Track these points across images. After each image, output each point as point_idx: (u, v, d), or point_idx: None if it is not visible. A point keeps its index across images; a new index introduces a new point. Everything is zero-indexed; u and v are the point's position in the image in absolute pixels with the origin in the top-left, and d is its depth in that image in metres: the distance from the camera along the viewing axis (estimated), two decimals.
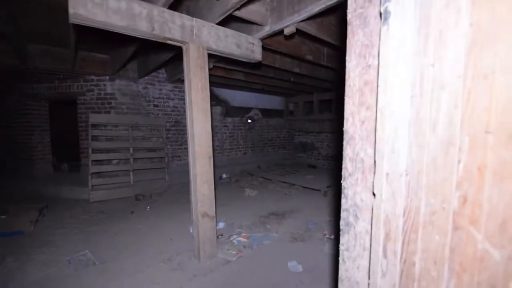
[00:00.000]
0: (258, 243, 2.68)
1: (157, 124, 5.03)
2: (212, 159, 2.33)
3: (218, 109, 6.29)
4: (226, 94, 6.46)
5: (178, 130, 5.55)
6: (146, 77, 4.96)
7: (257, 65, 3.81)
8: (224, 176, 5.99)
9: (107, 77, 4.59)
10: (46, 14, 2.85)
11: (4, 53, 3.61)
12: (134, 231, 2.97)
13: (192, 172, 2.28)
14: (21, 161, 5.12)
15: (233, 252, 2.42)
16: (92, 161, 4.14)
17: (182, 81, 5.25)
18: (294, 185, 5.05)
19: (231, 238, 2.75)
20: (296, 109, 7.94)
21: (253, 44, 2.61)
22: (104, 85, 4.61)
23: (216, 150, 6.27)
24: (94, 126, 4.37)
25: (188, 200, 4.14)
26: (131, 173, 4.48)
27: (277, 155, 7.86)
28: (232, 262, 2.29)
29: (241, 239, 2.74)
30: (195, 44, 2.18)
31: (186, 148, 5.72)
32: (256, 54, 2.65)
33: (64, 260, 2.28)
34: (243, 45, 2.53)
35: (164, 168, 4.97)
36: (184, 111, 5.63)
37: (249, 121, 7.18)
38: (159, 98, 5.23)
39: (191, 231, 2.93)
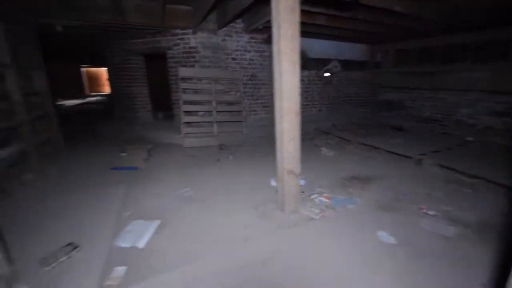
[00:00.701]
0: (341, 205, 2.60)
1: (235, 77, 5.09)
2: (299, 116, 2.20)
3: None
4: (303, 43, 5.88)
5: (254, 84, 5.53)
6: (225, 28, 4.88)
7: (348, 4, 3.19)
8: None
9: (190, 31, 4.71)
10: None
11: (106, 10, 3.99)
12: (221, 176, 3.29)
13: (278, 129, 2.23)
14: (127, 109, 6.13)
15: (316, 211, 2.42)
16: (184, 111, 4.60)
17: (259, 30, 4.99)
18: (377, 148, 4.56)
19: (312, 197, 2.74)
20: (384, 59, 6.76)
21: None
22: (188, 38, 4.77)
23: None
24: (183, 79, 4.72)
25: (265, 154, 4.29)
26: (215, 124, 4.83)
27: (355, 113, 7.15)
28: (315, 220, 2.31)
29: (323, 199, 2.70)
30: None
31: (262, 103, 5.75)
32: None
33: (172, 194, 2.74)
34: None
35: (242, 122, 5.17)
36: (260, 64, 5.49)
37: (327, 74, 6.55)
38: (237, 50, 5.16)
39: (271, 183, 3.06)
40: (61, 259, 1.64)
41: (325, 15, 4.00)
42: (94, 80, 15.61)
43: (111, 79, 6.23)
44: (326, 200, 2.69)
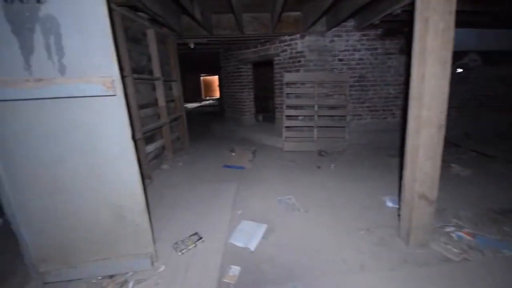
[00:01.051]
0: (491, 248, 1.93)
1: (340, 80, 4.75)
2: (443, 129, 1.75)
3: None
4: None
5: (361, 86, 5.01)
6: (334, 29, 4.62)
7: None
8: None
9: (298, 35, 4.71)
10: None
11: (231, 26, 4.51)
12: (323, 187, 3.11)
13: (410, 143, 1.85)
14: (234, 111, 6.81)
15: (455, 250, 1.89)
16: (286, 116, 4.67)
17: (373, 26, 4.45)
18: None
19: (447, 230, 2.17)
20: None
21: None
22: (295, 43, 4.80)
23: None
24: (287, 84, 4.80)
25: (371, 165, 3.81)
26: (315, 129, 4.67)
27: (498, 120, 5.37)
28: (453, 262, 1.79)
29: (463, 235, 2.09)
30: None
31: (369, 107, 5.16)
32: None
33: (275, 199, 2.78)
34: None
35: (345, 127, 4.77)
36: (370, 64, 4.92)
37: (459, 70, 5.19)
38: (345, 50, 4.80)
39: (387, 203, 2.64)
40: (190, 247, 1.90)
41: None
42: (208, 86, 18.46)
43: (222, 85, 7.09)
44: (468, 237, 2.07)
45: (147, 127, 3.38)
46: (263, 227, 2.20)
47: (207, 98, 17.67)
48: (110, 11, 1.49)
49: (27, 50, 1.34)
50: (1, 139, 1.43)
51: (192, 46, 5.20)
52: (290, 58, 4.96)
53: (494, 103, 5.42)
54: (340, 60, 4.84)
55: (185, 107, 13.02)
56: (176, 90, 4.65)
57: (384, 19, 3.99)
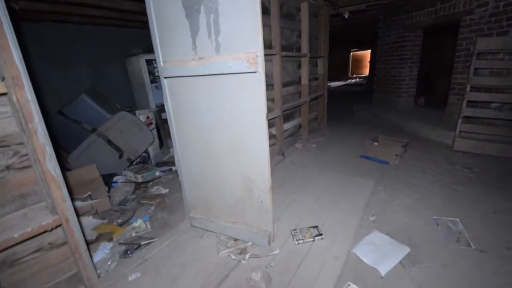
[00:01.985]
0: None
1: None
2: None
3: None
4: None
5: None
6: None
7: None
8: None
9: None
10: None
11: None
12: None
13: None
14: (386, 91, 5.66)
15: None
16: (467, 101, 3.30)
17: None
18: None
19: None
20: None
21: None
22: None
23: None
24: (479, 54, 3.29)
25: None
26: None
27: None
28: None
29: None
30: None
31: None
32: None
33: (429, 216, 2.06)
34: None
35: None
36: None
37: None
38: None
39: None
40: (307, 240, 1.76)
41: None
42: (357, 63, 16.61)
43: (376, 60, 6.01)
44: None
45: (287, 105, 3.42)
46: (403, 250, 1.67)
47: (354, 76, 16.01)
48: None
49: (194, 31, 1.54)
50: (176, 109, 1.81)
51: (346, 16, 4.61)
52: (492, 15, 3.31)
53: None
54: None
55: (328, 85, 12.52)
56: (321, 67, 4.37)
57: None
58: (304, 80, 3.77)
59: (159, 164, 3.47)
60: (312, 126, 4.50)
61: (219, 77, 1.55)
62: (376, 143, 3.46)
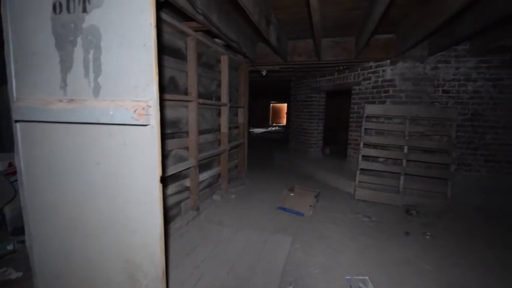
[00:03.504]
0: None
1: (444, 117, 3.65)
2: None
3: None
4: None
5: (474, 126, 3.77)
6: (439, 54, 3.68)
7: None
8: None
9: (388, 61, 3.94)
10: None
11: (307, 52, 4.14)
12: (419, 270, 2.14)
13: None
14: (300, 142, 6.23)
15: None
16: (362, 156, 3.83)
17: (498, 50, 3.33)
18: None
19: None
20: None
21: None
22: (384, 71, 4.02)
23: None
24: (368, 117, 4.00)
25: (492, 243, 2.57)
26: (402, 177, 3.63)
27: None
28: None
29: None
30: None
31: (484, 155, 3.82)
32: None
33: (342, 276, 2.00)
34: None
35: (447, 180, 3.56)
36: (491, 98, 3.71)
37: None
38: (453, 80, 3.74)
39: None
40: None
41: None
42: (276, 113, 18.66)
43: (290, 114, 6.69)
44: None
45: (204, 154, 3.17)
46: None
47: (274, 124, 17.77)
48: (159, 21, 1.22)
49: (66, 66, 1.17)
50: (31, 165, 1.28)
51: (264, 73, 5.05)
52: (374, 87, 4.18)
53: None
54: (445, 92, 3.78)
55: (252, 131, 13.29)
56: (242, 116, 4.45)
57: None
58: (224, 128, 3.68)
59: (18, 231, 2.47)
60: (232, 174, 4.33)
61: (98, 127, 1.18)
62: (292, 194, 3.51)
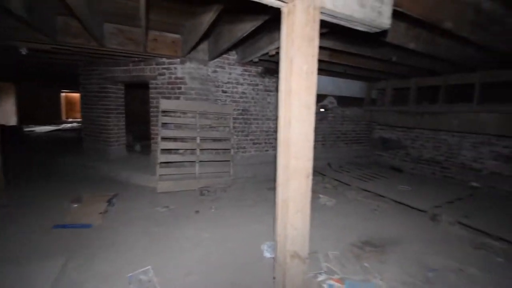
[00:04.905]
0: None
1: (224, 112, 4.57)
2: (311, 178, 1.60)
3: None
4: None
5: (245, 119, 5.03)
6: (216, 60, 4.49)
7: (358, 38, 2.84)
8: None
9: (178, 60, 4.26)
10: None
11: (80, 34, 3.50)
12: (199, 241, 2.55)
13: (280, 195, 1.61)
14: (98, 141, 5.38)
15: None
16: (161, 149, 3.94)
17: (254, 63, 4.61)
18: (382, 196, 4.00)
19: (319, 279, 2.05)
20: (381, 97, 6.53)
21: (382, 1, 1.68)
22: (175, 68, 4.31)
23: None
24: (165, 112, 4.14)
25: (254, 202, 3.66)
26: (197, 164, 4.17)
27: (350, 151, 6.72)
28: None
29: (333, 283, 2.01)
30: (304, 3, 1.40)
31: (252, 140, 5.20)
32: (383, 18, 1.71)
33: (125, 276, 1.96)
34: (368, 4, 1.63)
35: (229, 161, 4.54)
36: (252, 98, 5.06)
37: (322, 110, 6.19)
38: (228, 83, 4.73)
39: (265, 254, 2.35)
40: None
41: (329, 50, 3.65)
42: (72, 105, 14.74)
43: (83, 107, 5.55)
44: (338, 284, 2.00)
45: None
46: None
47: (70, 120, 13.99)
48: None
49: None
50: None
51: (24, 52, 3.73)
52: (169, 83, 4.39)
53: (347, 137, 6.73)
54: (224, 91, 4.70)
55: (32, 130, 9.67)
56: None
57: (262, 58, 4.16)
58: None
59: None
60: None
61: None
62: (76, 205, 2.95)
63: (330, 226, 2.99)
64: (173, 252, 2.34)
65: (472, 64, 3.90)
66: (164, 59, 4.35)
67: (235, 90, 4.83)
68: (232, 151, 4.59)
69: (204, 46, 4.26)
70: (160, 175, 3.89)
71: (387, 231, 2.93)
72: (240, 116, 4.95)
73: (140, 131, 7.02)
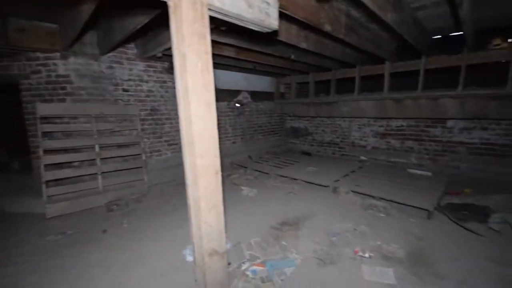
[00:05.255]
0: (278, 272, 2.07)
1: (129, 113, 4.08)
2: (220, 174, 1.60)
3: None
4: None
5: (155, 119, 4.63)
6: (111, 54, 3.91)
7: (260, 37, 3.01)
8: None
9: (58, 54, 3.50)
10: None
11: None
12: (111, 263, 2.21)
13: (191, 195, 1.55)
14: None
15: None
16: (45, 165, 3.18)
17: (158, 58, 4.26)
18: (295, 179, 4.47)
19: (243, 267, 2.11)
20: (288, 91, 7.23)
21: (268, 3, 1.81)
22: (55, 64, 3.52)
23: None
24: (45, 119, 3.36)
25: (174, 207, 3.45)
26: (99, 176, 3.58)
27: (268, 142, 7.21)
28: None
29: (256, 268, 2.11)
30: None
31: (167, 141, 4.88)
32: (271, 19, 1.86)
33: None
34: (255, 4, 1.72)
35: (142, 168, 4.11)
36: (162, 96, 4.71)
37: (238, 105, 6.37)
38: (130, 80, 4.22)
39: (187, 258, 2.25)
40: None
41: (234, 47, 3.74)
42: None
43: None
44: (261, 268, 2.12)
45: None
46: None
47: None
48: None
49: None
50: None
51: None
52: (48, 83, 3.55)
53: (263, 130, 7.15)
54: (125, 90, 4.17)
55: None
56: None
57: (166, 53, 3.88)
58: None
59: None
60: None
61: None
62: None
63: (252, 216, 3.13)
64: (83, 280, 1.94)
65: (352, 62, 4.77)
66: (38, 54, 3.48)
67: (139, 88, 4.36)
68: (144, 156, 4.16)
69: (92, 38, 3.64)
70: (49, 196, 3.15)
71: (300, 209, 3.29)
72: (150, 117, 4.53)
73: (16, 146, 5.51)
